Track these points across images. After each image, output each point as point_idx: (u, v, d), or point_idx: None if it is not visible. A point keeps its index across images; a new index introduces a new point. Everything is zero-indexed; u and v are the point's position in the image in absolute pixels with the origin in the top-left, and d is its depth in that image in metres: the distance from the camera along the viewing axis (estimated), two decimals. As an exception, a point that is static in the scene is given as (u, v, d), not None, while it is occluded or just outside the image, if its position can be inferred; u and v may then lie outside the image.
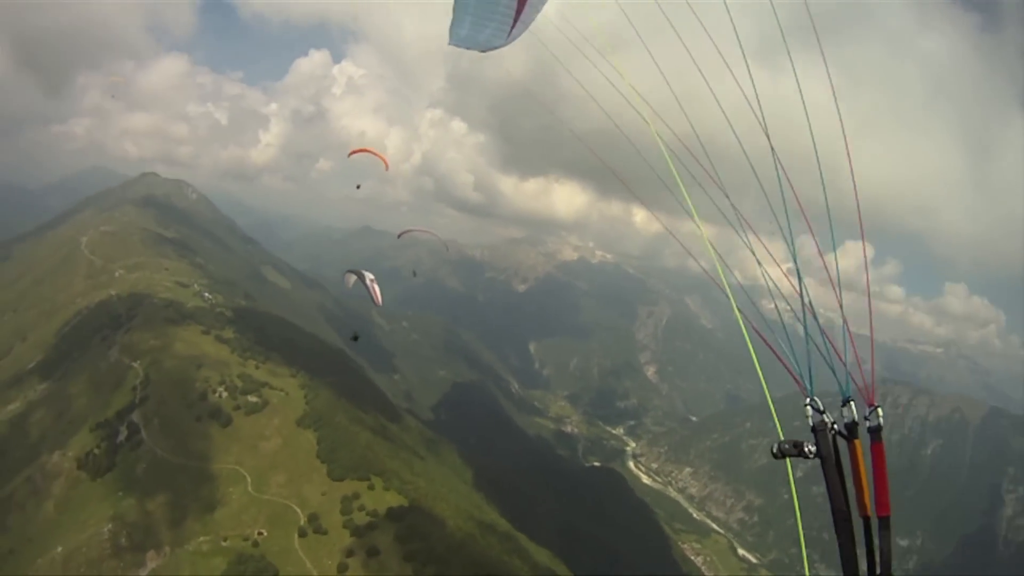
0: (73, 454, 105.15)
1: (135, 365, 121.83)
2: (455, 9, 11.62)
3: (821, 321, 6.40)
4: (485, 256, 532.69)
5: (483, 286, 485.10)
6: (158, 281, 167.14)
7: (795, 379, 5.81)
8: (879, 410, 5.31)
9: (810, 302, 6.44)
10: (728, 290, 7.14)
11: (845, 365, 5.77)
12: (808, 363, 5.93)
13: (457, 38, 12.23)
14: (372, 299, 36.16)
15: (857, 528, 5.23)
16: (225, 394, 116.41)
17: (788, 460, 5.51)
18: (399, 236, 50.46)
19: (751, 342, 6.56)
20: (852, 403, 5.42)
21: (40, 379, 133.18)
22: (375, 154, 44.13)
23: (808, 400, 5.45)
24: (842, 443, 5.44)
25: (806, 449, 5.26)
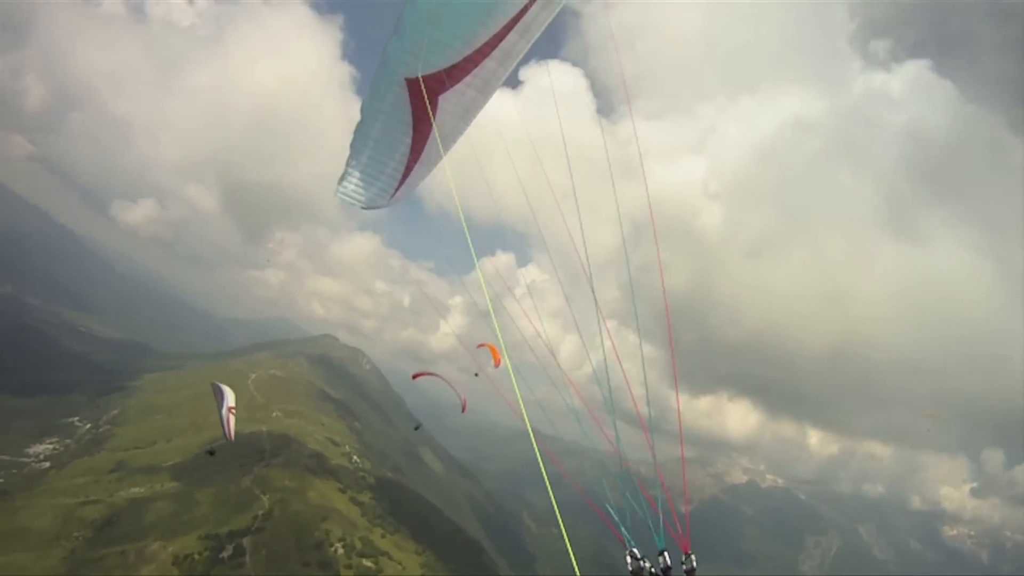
0: (174, 550, 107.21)
1: (263, 497, 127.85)
2: (347, 164, 12.30)
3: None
4: (651, 473, 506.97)
5: (646, 502, 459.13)
6: (311, 432, 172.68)
7: (613, 530, 6.91)
8: (692, 556, 6.15)
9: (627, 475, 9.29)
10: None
11: (661, 520, 7.01)
12: (629, 518, 7.33)
13: (343, 192, 13.23)
14: (224, 431, 32.69)
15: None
16: (341, 551, 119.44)
17: None
18: (413, 378, 47.75)
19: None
20: (667, 553, 6.23)
21: (171, 478, 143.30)
22: (492, 351, 44.91)
23: (628, 551, 6.37)
24: None
25: None
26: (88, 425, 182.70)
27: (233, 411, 30.62)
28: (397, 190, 14.03)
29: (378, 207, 13.70)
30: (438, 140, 12.78)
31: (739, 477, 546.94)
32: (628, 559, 6.19)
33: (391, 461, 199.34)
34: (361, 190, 14.01)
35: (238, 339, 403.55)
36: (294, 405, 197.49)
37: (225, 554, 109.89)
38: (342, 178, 13.65)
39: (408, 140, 13.76)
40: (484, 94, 13.72)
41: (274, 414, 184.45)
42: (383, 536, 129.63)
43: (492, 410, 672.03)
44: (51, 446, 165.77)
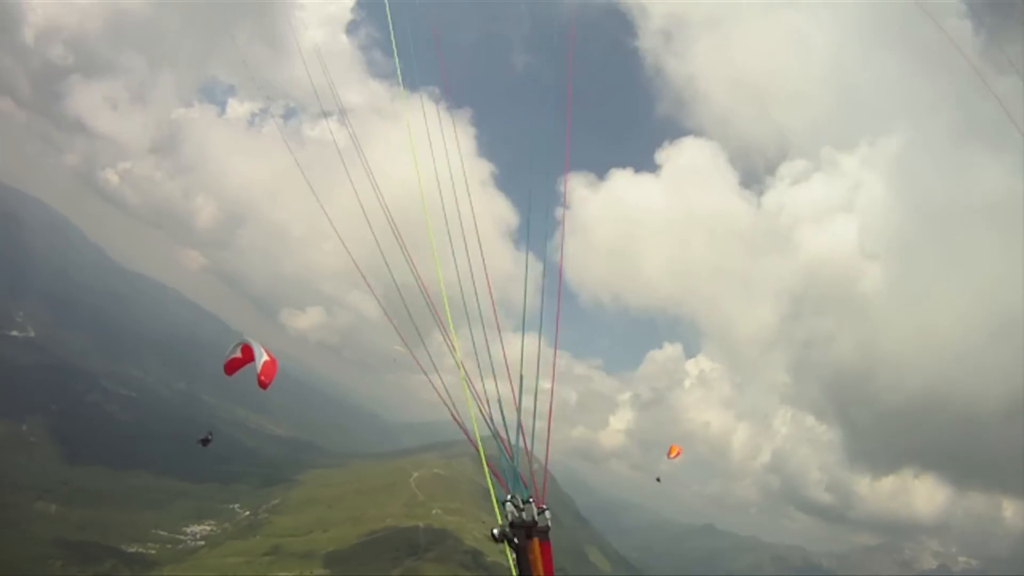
0: None
1: None
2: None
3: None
4: (833, 566, 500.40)
5: None
6: (470, 529, 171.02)
7: (499, 479, 6.69)
8: (547, 512, 6.33)
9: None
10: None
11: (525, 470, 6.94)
12: (516, 466, 6.94)
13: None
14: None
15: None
16: None
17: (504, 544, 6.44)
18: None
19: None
20: (531, 503, 6.35)
21: (323, 565, 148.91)
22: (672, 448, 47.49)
23: (509, 496, 6.40)
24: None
25: (494, 532, 6.42)
26: (248, 512, 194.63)
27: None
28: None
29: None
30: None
31: (929, 563, 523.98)
32: (508, 506, 6.19)
33: (553, 561, 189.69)
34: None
35: (406, 441, 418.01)
36: (455, 503, 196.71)
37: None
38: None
39: None
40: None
41: (434, 511, 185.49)
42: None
43: (666, 507, 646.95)
44: (209, 527, 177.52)
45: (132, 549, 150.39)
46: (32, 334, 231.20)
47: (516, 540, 6.12)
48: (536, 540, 6.24)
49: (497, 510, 6.31)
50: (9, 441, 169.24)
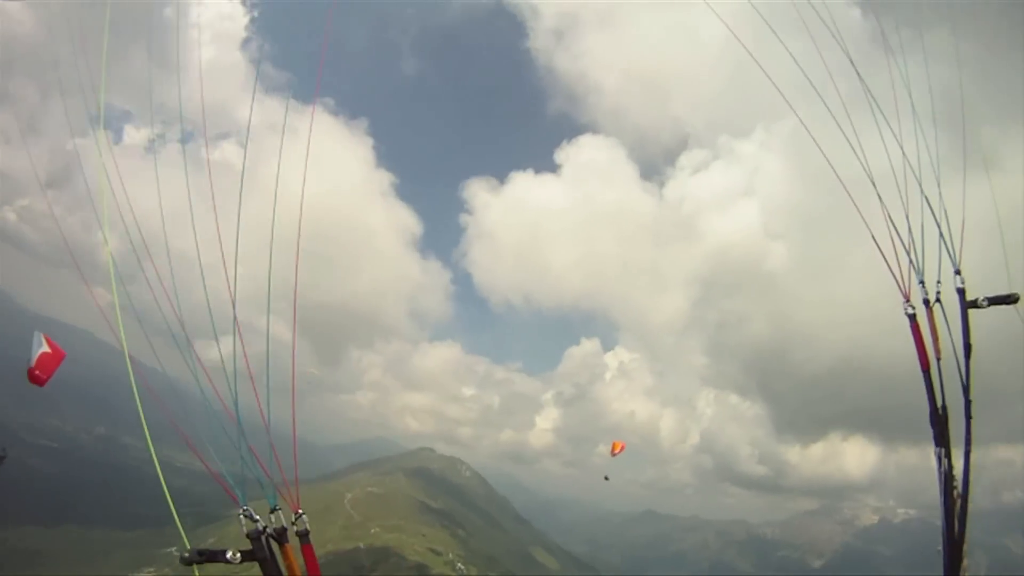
0: None
1: None
2: None
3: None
4: (776, 534, 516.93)
5: (775, 565, 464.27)
6: (411, 544, 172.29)
7: (227, 491, 6.53)
8: (304, 516, 6.15)
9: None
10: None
11: (271, 477, 6.80)
12: (243, 475, 6.90)
13: None
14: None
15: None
16: None
17: (196, 568, 6.33)
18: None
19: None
20: (280, 511, 6.14)
21: None
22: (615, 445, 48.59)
23: (242, 510, 6.23)
24: None
25: (228, 555, 6.12)
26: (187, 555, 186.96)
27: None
28: None
29: None
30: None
31: (869, 518, 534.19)
32: (243, 519, 6.05)
33: (500, 565, 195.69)
34: None
35: (336, 462, 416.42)
36: (393, 520, 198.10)
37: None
38: None
39: None
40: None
41: (372, 530, 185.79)
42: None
43: (605, 500, 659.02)
44: (149, 575, 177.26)
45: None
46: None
47: (240, 555, 6.06)
48: (288, 546, 6.19)
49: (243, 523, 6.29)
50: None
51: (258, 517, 6.06)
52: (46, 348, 18.06)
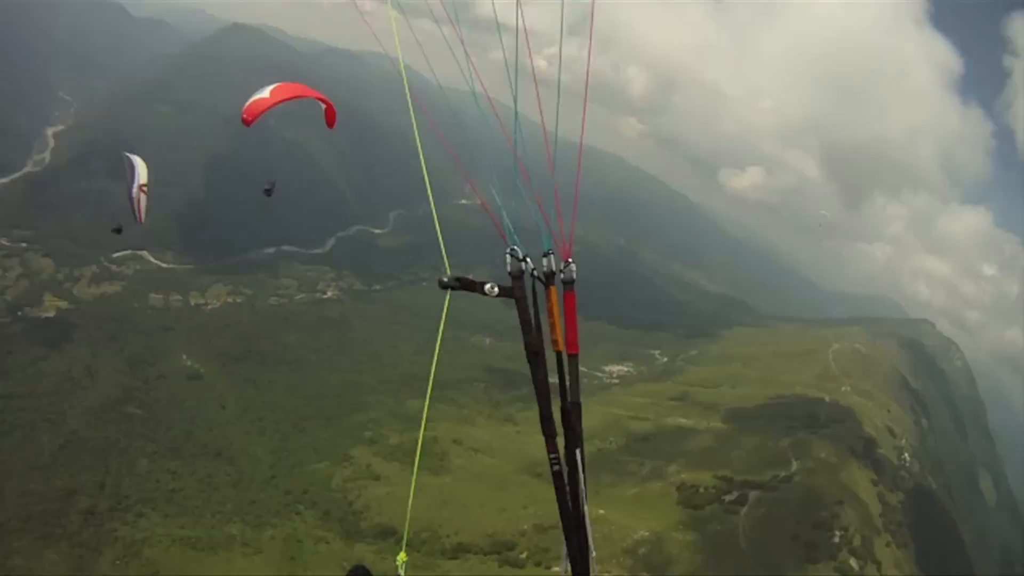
0: (687, 477, 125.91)
1: (794, 461, 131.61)
2: None
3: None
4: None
5: None
6: (872, 415, 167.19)
7: (498, 227, 6.49)
8: (572, 265, 6.12)
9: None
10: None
11: (549, 223, 6.39)
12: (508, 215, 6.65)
13: None
14: (133, 211, 26.53)
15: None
16: (837, 539, 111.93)
17: (450, 293, 6.13)
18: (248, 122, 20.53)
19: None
20: (552, 256, 6.15)
21: (723, 419, 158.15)
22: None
23: (509, 248, 6.17)
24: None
25: (486, 288, 6.10)
26: (665, 359, 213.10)
27: (145, 190, 26.67)
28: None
29: None
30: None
31: None
32: (508, 258, 6.03)
33: (943, 474, 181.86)
34: None
35: (836, 311, 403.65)
36: (867, 384, 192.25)
37: (728, 498, 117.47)
38: None
39: None
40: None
41: (844, 388, 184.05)
42: (887, 545, 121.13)
43: None
44: (626, 368, 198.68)
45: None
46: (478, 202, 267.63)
47: (497, 289, 6.01)
48: (553, 289, 6.00)
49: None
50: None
51: (522, 255, 5.97)
52: (264, 95, 18.04)
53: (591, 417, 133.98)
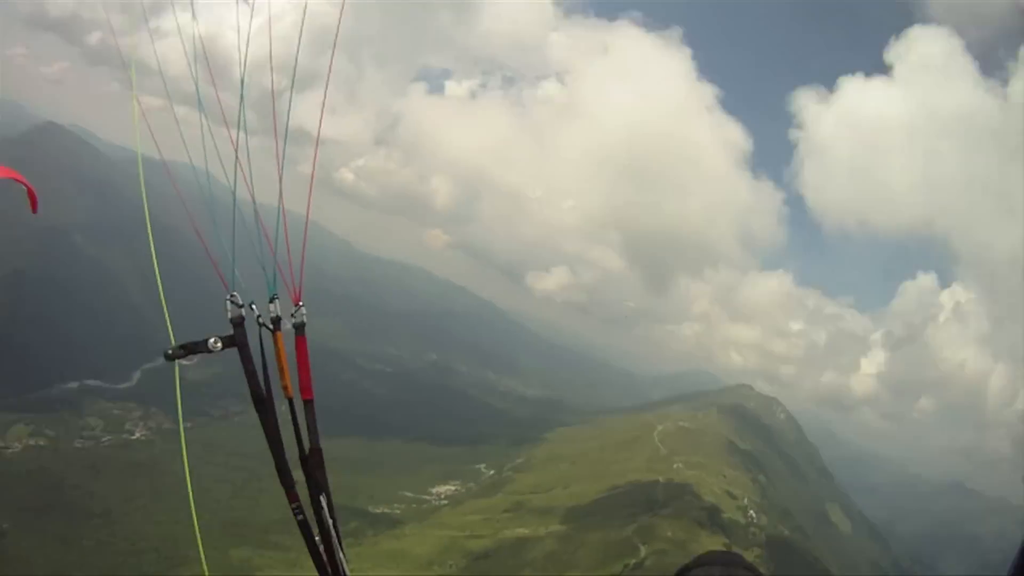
0: None
1: (642, 547, 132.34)
2: None
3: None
4: None
5: None
6: (709, 484, 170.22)
7: (219, 275, 5.90)
8: (303, 308, 5.87)
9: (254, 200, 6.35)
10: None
11: (276, 265, 6.05)
12: (233, 260, 6.01)
13: None
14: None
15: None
16: None
17: (178, 364, 5.64)
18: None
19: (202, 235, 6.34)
20: (277, 300, 5.83)
21: (561, 521, 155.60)
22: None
23: (229, 296, 5.71)
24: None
25: (209, 343, 5.62)
26: (492, 472, 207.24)
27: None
28: None
29: None
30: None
31: None
32: (228, 304, 5.36)
33: (792, 519, 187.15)
34: None
35: (654, 394, 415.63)
36: (697, 456, 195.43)
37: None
38: None
39: None
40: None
41: (675, 465, 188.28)
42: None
43: (913, 461, 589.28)
44: (454, 487, 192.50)
45: (378, 510, 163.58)
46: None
47: (237, 338, 5.65)
48: (280, 334, 5.81)
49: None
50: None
51: (242, 303, 5.45)
52: None
53: (426, 543, 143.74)
